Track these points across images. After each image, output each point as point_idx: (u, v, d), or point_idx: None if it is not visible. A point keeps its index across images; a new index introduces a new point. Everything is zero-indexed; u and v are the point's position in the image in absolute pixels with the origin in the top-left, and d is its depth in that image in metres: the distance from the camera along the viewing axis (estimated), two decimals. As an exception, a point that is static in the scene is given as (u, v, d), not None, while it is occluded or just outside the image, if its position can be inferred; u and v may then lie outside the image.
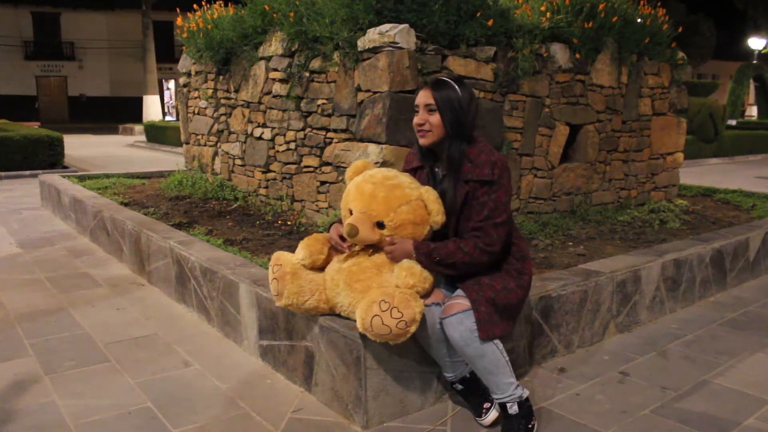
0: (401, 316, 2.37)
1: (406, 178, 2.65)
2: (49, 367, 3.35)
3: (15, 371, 3.29)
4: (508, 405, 2.59)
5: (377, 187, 2.59)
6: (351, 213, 2.63)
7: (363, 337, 2.64)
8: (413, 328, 2.42)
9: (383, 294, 2.43)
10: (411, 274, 2.49)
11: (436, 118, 2.58)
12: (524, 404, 2.62)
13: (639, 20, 5.95)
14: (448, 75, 2.70)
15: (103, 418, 2.81)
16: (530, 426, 2.61)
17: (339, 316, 2.80)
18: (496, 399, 2.61)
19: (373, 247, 2.66)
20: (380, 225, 2.58)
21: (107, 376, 3.25)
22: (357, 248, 2.68)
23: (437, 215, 2.56)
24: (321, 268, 2.80)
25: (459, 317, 2.48)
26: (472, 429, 2.74)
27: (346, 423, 2.77)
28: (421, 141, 2.64)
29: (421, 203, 2.57)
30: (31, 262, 5.50)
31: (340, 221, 2.79)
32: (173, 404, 2.94)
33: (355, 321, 2.54)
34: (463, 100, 2.57)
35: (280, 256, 2.81)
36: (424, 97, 2.60)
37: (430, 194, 2.57)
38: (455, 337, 2.49)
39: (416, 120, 2.63)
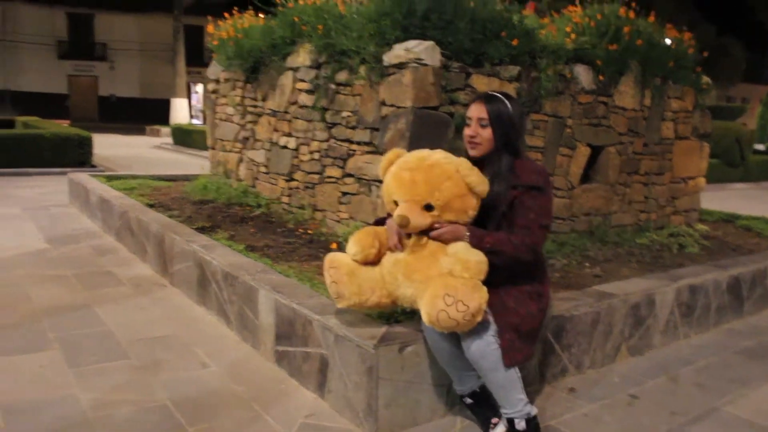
0: (467, 309, 2.40)
1: (440, 155, 2.66)
2: (72, 361, 3.46)
3: (40, 363, 3.41)
4: (516, 421, 2.64)
5: (414, 172, 2.61)
6: (396, 204, 2.65)
7: (376, 347, 2.71)
8: (479, 318, 2.46)
9: (446, 287, 2.43)
10: (466, 267, 2.48)
11: (487, 132, 2.68)
12: (532, 421, 2.67)
13: (668, 41, 5.97)
14: (500, 91, 2.79)
15: (123, 413, 2.91)
16: (537, 443, 2.66)
17: (346, 323, 2.87)
18: (505, 414, 2.67)
19: (425, 234, 2.65)
20: (428, 207, 2.59)
21: (127, 373, 3.35)
22: (410, 241, 2.67)
23: (478, 185, 2.57)
24: (373, 263, 2.81)
25: (477, 330, 2.55)
26: (479, 443, 2.79)
27: (357, 431, 2.83)
28: (471, 153, 2.73)
29: (458, 174, 2.57)
30: (57, 258, 5.65)
31: (388, 216, 2.83)
32: (189, 403, 3.03)
33: (417, 313, 2.58)
34: (514, 116, 2.69)
35: (335, 258, 2.84)
36: (477, 110, 2.70)
37: (464, 165, 2.58)
38: (472, 349, 2.55)
39: (468, 132, 2.72)
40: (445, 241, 2.60)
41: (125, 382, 3.25)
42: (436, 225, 2.61)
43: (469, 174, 2.57)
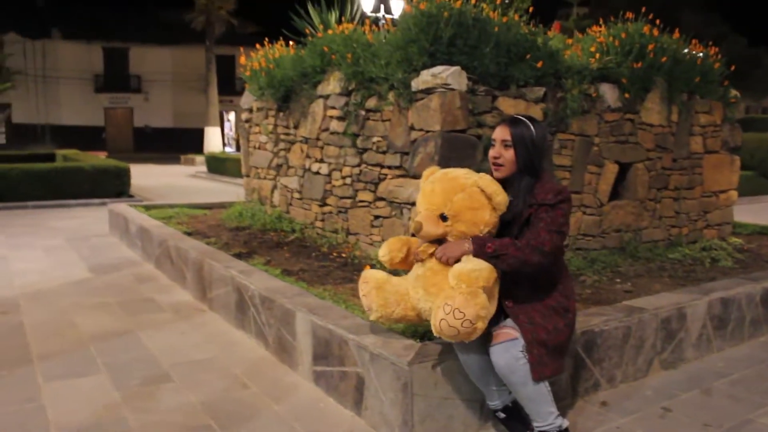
0: (464, 316, 2.50)
1: (462, 171, 2.83)
2: (119, 384, 3.61)
3: (89, 387, 3.57)
4: (548, 434, 2.71)
5: (436, 183, 2.81)
6: (420, 226, 2.81)
7: (410, 364, 2.81)
8: (481, 324, 2.55)
9: (445, 297, 2.58)
10: (460, 279, 2.58)
11: (510, 154, 2.79)
12: (564, 434, 2.73)
13: (691, 56, 6.01)
14: (525, 114, 2.91)
15: (169, 434, 3.04)
16: (569, 455, 2.72)
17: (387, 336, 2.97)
18: (537, 427, 2.74)
19: (437, 242, 2.81)
20: (444, 218, 2.75)
21: (172, 395, 3.49)
22: (430, 250, 2.81)
23: (498, 195, 2.70)
24: (406, 268, 3.00)
25: (506, 345, 2.64)
26: (513, 457, 2.86)
27: (394, 446, 2.93)
28: (495, 174, 2.84)
29: (476, 190, 2.72)
30: (101, 287, 5.85)
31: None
32: (233, 423, 3.15)
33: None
34: (537, 139, 2.79)
35: (366, 274, 3.03)
36: (501, 132, 2.82)
37: (484, 179, 2.73)
38: (501, 364, 2.64)
39: (492, 153, 2.84)
40: (449, 257, 2.72)
41: (170, 403, 3.38)
42: (438, 250, 2.77)
43: (489, 185, 2.71)
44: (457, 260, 2.69)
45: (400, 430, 2.90)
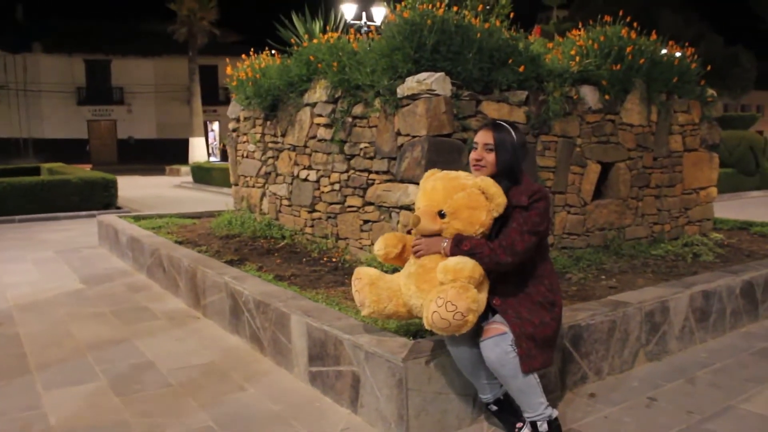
0: (455, 308, 2.62)
1: (464, 173, 2.96)
2: (119, 390, 3.68)
3: (89, 393, 3.64)
4: (539, 423, 2.81)
5: (437, 181, 2.93)
6: (418, 220, 2.92)
7: (404, 360, 2.91)
8: (471, 317, 2.66)
9: (438, 291, 2.69)
10: (446, 271, 2.70)
11: (491, 157, 2.91)
12: (553, 423, 2.84)
13: (668, 57, 6.18)
14: (506, 120, 3.03)
15: (171, 435, 3.12)
16: (559, 443, 2.83)
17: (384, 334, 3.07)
18: (527, 417, 2.84)
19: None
20: (441, 215, 2.86)
21: (172, 399, 3.57)
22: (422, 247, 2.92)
23: (499, 197, 2.81)
24: (400, 263, 3.12)
25: (496, 340, 2.75)
26: (506, 447, 2.96)
27: (390, 441, 3.02)
28: (475, 174, 2.95)
29: (476, 191, 2.83)
30: (94, 297, 5.91)
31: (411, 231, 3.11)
32: (232, 423, 3.24)
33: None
34: (517, 145, 2.92)
35: (360, 270, 3.14)
36: (484, 136, 2.94)
37: (486, 181, 2.85)
38: (492, 358, 2.75)
39: (474, 156, 2.95)
40: (426, 251, 2.88)
41: (170, 407, 3.46)
42: (415, 241, 2.92)
43: (490, 187, 2.82)
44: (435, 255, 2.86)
45: (396, 424, 3.00)
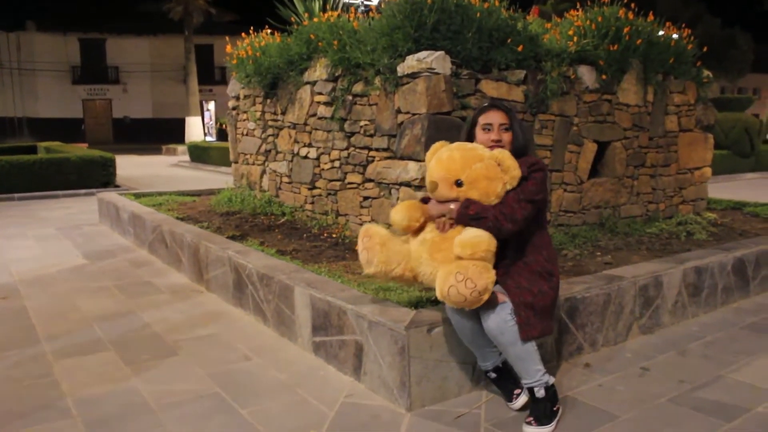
0: (474, 286, 2.71)
1: (478, 145, 3.03)
2: (127, 359, 3.79)
3: (99, 362, 3.75)
4: (536, 389, 2.93)
5: (453, 151, 2.99)
6: (435, 185, 2.99)
7: (407, 328, 3.02)
8: (486, 296, 2.76)
9: (458, 266, 2.76)
10: (464, 246, 2.78)
11: (508, 136, 3.05)
12: (550, 389, 2.95)
13: (665, 38, 6.25)
14: (499, 101, 3.14)
15: (180, 401, 3.23)
16: (555, 409, 2.95)
17: (390, 303, 3.17)
18: (525, 384, 2.96)
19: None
20: (458, 184, 2.94)
21: (179, 367, 3.68)
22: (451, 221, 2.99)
23: (515, 170, 2.90)
24: (413, 233, 3.14)
25: (495, 309, 2.85)
26: (503, 413, 3.08)
27: (392, 406, 3.13)
28: None
29: (493, 162, 2.91)
30: (97, 272, 6.00)
31: (424, 200, 3.18)
32: (239, 390, 3.35)
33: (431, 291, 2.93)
34: (522, 124, 3.08)
35: (370, 229, 3.19)
36: (497, 117, 3.05)
37: (504, 153, 2.93)
38: (491, 326, 2.85)
39: (492, 137, 3.04)
40: (435, 214, 3.00)
41: (178, 375, 3.57)
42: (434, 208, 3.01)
43: (508, 159, 2.90)
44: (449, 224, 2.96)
45: (398, 391, 3.11)
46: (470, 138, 3.13)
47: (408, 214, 3.08)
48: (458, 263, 2.79)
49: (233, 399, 3.24)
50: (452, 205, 2.94)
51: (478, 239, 2.79)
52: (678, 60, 6.39)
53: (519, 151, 3.02)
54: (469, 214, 2.88)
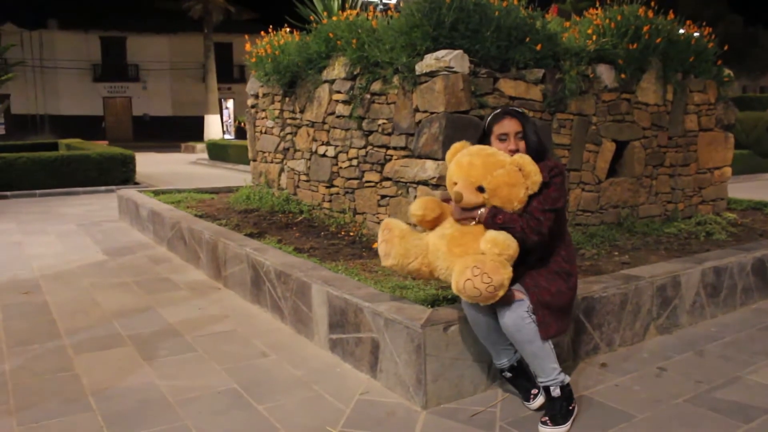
0: (491, 281, 2.71)
1: (497, 150, 3.02)
2: (146, 354, 3.83)
3: (118, 357, 3.79)
4: (551, 388, 2.93)
5: (474, 157, 2.98)
6: (455, 185, 3.00)
7: (423, 326, 3.03)
8: (501, 293, 2.76)
9: (476, 260, 2.76)
10: (495, 244, 2.79)
11: (523, 144, 3.03)
12: (566, 388, 2.95)
13: (685, 37, 6.20)
14: (515, 106, 3.13)
15: (198, 396, 3.26)
16: (571, 408, 2.94)
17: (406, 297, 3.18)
18: (540, 382, 2.96)
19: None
20: (480, 189, 2.93)
21: (197, 363, 3.71)
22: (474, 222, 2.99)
23: (536, 175, 2.89)
24: (430, 227, 3.17)
25: (512, 306, 2.85)
26: (519, 412, 3.08)
27: (408, 404, 3.15)
28: None
29: (514, 168, 2.90)
30: (117, 268, 6.07)
31: (446, 200, 3.19)
32: (256, 386, 3.37)
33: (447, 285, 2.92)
34: (537, 127, 3.06)
35: (390, 222, 3.21)
36: (513, 125, 3.04)
37: (524, 159, 2.92)
38: (508, 323, 2.86)
39: (509, 147, 3.02)
40: (464, 219, 2.98)
41: (196, 370, 3.60)
42: (459, 213, 3.00)
43: (529, 165, 2.89)
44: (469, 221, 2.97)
45: (414, 389, 3.12)
46: (484, 143, 3.12)
47: (423, 205, 3.12)
48: (476, 257, 2.80)
49: (250, 395, 3.27)
50: (481, 210, 2.93)
51: (509, 242, 2.79)
52: (698, 59, 6.34)
53: (535, 155, 3.01)
54: (497, 223, 2.88)
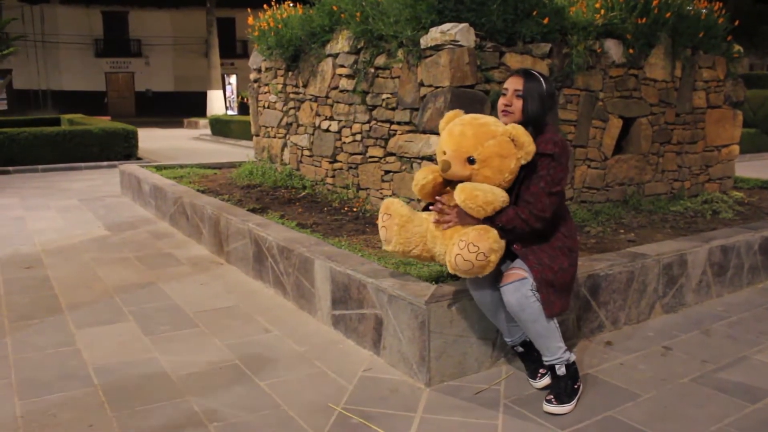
0: (478, 249, 2.68)
1: (492, 119, 2.95)
2: (147, 329, 3.81)
3: (119, 333, 3.77)
4: (557, 366, 2.89)
5: (465, 126, 2.91)
6: (444, 154, 2.93)
7: (427, 303, 2.99)
8: (494, 257, 2.72)
9: (460, 234, 2.75)
10: (473, 197, 2.76)
11: (520, 104, 2.91)
12: (571, 367, 2.92)
13: (695, 12, 6.09)
14: (538, 71, 3.03)
15: (199, 371, 3.24)
16: (576, 387, 2.91)
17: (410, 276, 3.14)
18: (546, 361, 2.92)
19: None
20: (471, 161, 2.86)
21: (198, 338, 3.69)
22: (452, 203, 2.92)
23: (529, 145, 2.80)
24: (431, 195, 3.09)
25: (516, 285, 2.81)
26: (524, 390, 3.05)
27: (411, 381, 3.12)
28: (503, 120, 2.96)
29: (506, 139, 2.82)
30: (119, 243, 6.04)
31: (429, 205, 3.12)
32: (258, 362, 3.35)
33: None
34: (546, 94, 2.92)
35: (390, 206, 3.12)
36: (514, 82, 2.94)
37: (518, 129, 2.83)
38: (512, 302, 2.81)
39: (503, 101, 2.96)
40: (456, 224, 2.91)
41: (197, 346, 3.58)
42: (446, 216, 2.94)
43: (522, 135, 2.80)
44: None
45: (417, 365, 3.09)
46: None
47: (423, 173, 3.04)
48: (460, 232, 2.78)
49: (251, 371, 3.25)
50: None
51: (489, 197, 2.75)
52: (708, 34, 6.23)
53: (533, 122, 2.90)
54: (498, 225, 2.81)
